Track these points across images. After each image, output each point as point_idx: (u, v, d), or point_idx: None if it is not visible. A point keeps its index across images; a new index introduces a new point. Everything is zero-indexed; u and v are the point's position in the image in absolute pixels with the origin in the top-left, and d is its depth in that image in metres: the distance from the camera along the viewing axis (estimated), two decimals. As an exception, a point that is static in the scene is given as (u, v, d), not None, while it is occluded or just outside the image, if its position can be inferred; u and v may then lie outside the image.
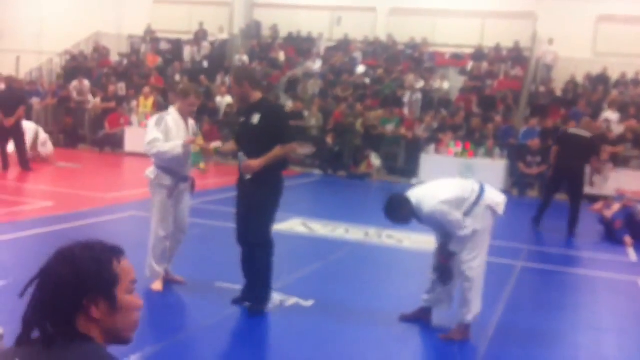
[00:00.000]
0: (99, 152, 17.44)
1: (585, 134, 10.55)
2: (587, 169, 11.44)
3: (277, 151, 5.30)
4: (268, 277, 5.50)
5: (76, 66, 21.54)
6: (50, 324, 1.62)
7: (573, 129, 11.14)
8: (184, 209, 6.09)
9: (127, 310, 1.70)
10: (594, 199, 13.97)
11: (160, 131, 5.76)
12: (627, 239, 9.50)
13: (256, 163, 5.22)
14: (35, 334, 1.63)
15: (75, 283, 1.61)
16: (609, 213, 10.04)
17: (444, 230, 5.12)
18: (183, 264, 6.33)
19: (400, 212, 5.08)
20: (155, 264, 5.88)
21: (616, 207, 10.12)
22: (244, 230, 5.47)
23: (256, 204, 5.39)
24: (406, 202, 5.03)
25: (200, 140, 6.03)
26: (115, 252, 1.72)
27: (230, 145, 5.88)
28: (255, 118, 5.32)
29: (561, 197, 11.16)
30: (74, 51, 22.64)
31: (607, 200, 10.86)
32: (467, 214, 4.99)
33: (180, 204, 6.02)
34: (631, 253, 9.05)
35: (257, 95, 5.44)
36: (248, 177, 5.29)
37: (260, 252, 5.46)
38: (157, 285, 5.88)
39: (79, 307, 1.63)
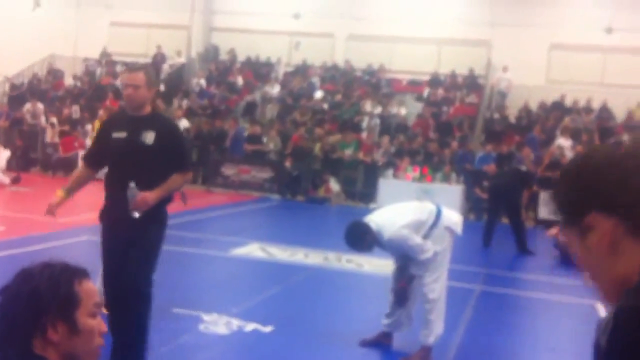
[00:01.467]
0: (52, 176, 17.06)
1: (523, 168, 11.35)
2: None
3: (175, 180, 4.33)
4: (147, 333, 4.41)
5: (24, 90, 21.14)
6: (6, 345, 1.53)
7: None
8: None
9: (88, 334, 1.60)
10: (549, 223, 14.20)
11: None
12: None
13: (153, 196, 4.16)
14: None
15: (32, 302, 1.53)
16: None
17: (404, 254, 5.10)
18: (139, 289, 6.16)
19: (362, 240, 5.05)
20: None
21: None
22: (121, 280, 4.27)
23: (147, 247, 4.36)
24: (367, 229, 4.99)
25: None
26: (77, 272, 1.63)
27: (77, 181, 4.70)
28: (149, 136, 4.21)
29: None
30: (14, 80, 22.22)
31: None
32: (426, 236, 4.98)
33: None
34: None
35: (148, 107, 4.37)
36: (136, 214, 4.13)
37: (142, 306, 4.33)
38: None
39: (36, 328, 1.53)
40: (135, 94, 4.25)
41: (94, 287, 1.66)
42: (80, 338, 1.58)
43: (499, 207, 11.36)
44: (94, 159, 4.56)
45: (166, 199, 4.42)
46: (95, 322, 1.63)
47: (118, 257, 4.28)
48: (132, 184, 4.07)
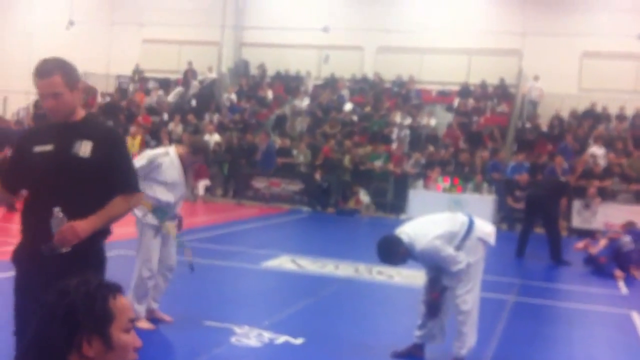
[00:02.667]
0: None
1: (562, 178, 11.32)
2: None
3: (117, 205, 3.26)
4: None
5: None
6: (41, 357, 1.55)
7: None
8: (171, 248, 5.99)
9: (123, 349, 1.63)
10: (582, 232, 14.01)
11: (149, 167, 5.64)
12: (618, 272, 9.47)
13: (85, 226, 3.08)
14: None
15: (68, 318, 1.56)
16: (594, 250, 10.05)
17: (437, 266, 5.07)
18: (170, 302, 6.21)
19: (395, 254, 5.02)
20: (136, 304, 5.76)
21: (602, 243, 10.11)
22: None
23: None
24: (399, 242, 4.97)
25: (172, 230, 5.81)
26: (112, 288, 1.66)
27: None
28: (83, 147, 3.20)
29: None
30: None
31: (592, 236, 10.85)
32: (458, 248, 4.94)
33: (167, 242, 5.93)
34: (622, 286, 9.01)
35: (80, 111, 3.37)
36: (64, 250, 3.04)
37: None
38: (144, 324, 5.76)
39: (72, 344, 1.56)
40: (58, 104, 3.24)
41: (127, 302, 1.69)
42: (114, 353, 1.61)
43: (535, 217, 11.23)
44: (12, 180, 3.37)
45: (104, 232, 3.30)
46: (130, 338, 1.65)
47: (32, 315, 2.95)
48: (58, 209, 3.01)
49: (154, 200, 5.65)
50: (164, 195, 5.70)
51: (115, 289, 1.66)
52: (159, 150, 5.93)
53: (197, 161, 5.85)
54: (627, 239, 9.98)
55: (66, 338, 1.55)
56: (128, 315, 1.66)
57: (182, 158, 5.77)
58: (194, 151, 5.81)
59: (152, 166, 5.65)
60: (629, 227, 10.56)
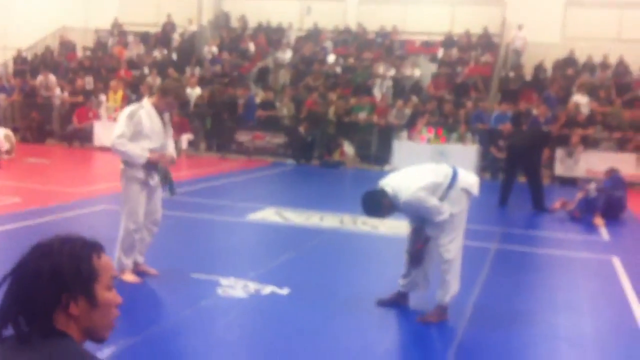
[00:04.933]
0: (68, 146, 17.18)
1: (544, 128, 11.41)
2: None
3: None
4: None
5: (37, 63, 21.16)
6: (26, 320, 1.55)
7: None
8: (156, 202, 5.98)
9: (106, 307, 1.64)
10: (565, 180, 14.15)
11: (132, 124, 5.62)
12: (597, 220, 9.58)
13: None
14: (9, 331, 1.56)
15: (54, 279, 1.55)
16: (570, 206, 10.16)
17: (421, 217, 5.09)
18: (156, 256, 6.23)
19: (380, 206, 5.03)
20: (123, 256, 5.78)
21: (578, 196, 10.22)
22: None
23: None
24: (383, 195, 4.98)
25: (154, 159, 5.76)
26: (95, 247, 1.65)
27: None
28: None
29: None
30: (26, 53, 22.22)
31: (564, 198, 10.85)
32: (442, 198, 4.96)
33: (153, 195, 5.91)
34: (604, 232, 9.14)
35: None
36: None
37: None
38: (130, 277, 5.78)
39: (58, 303, 1.56)
40: None
41: (109, 260, 1.69)
42: (99, 311, 1.61)
43: (517, 167, 11.30)
44: None
45: None
46: (112, 295, 1.66)
47: None
48: None
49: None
50: (147, 146, 5.68)
51: (99, 247, 1.66)
52: (133, 106, 5.89)
53: (169, 103, 5.78)
54: (592, 187, 10.10)
55: (52, 298, 1.55)
56: (110, 273, 1.66)
57: (156, 106, 5.74)
58: (163, 93, 5.77)
59: (132, 123, 5.61)
60: (610, 174, 10.67)
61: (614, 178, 10.56)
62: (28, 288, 1.54)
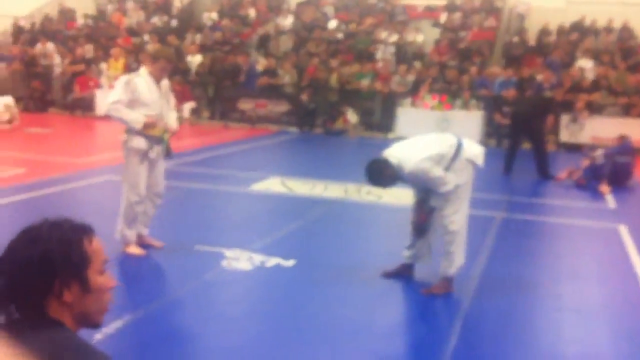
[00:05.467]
0: (70, 116, 17.09)
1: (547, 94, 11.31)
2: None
3: None
4: None
5: (36, 31, 20.94)
6: (18, 309, 1.50)
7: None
8: (159, 173, 5.94)
9: (100, 291, 1.59)
10: (570, 147, 14.07)
11: (129, 91, 5.58)
12: (603, 188, 9.53)
13: None
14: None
15: (45, 265, 1.50)
16: (577, 174, 10.09)
17: (425, 187, 5.05)
18: (161, 228, 6.22)
19: (383, 176, 4.99)
20: (126, 229, 5.77)
21: (584, 164, 10.15)
22: None
23: None
24: (387, 164, 4.92)
25: (157, 132, 5.73)
26: (85, 230, 1.60)
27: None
28: None
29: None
30: (24, 22, 21.94)
31: (570, 167, 10.77)
32: (447, 169, 4.92)
33: (155, 167, 5.87)
34: (609, 200, 9.10)
35: None
36: None
37: None
38: (134, 249, 5.78)
39: (50, 290, 1.51)
40: None
41: (100, 244, 1.64)
42: (92, 297, 1.57)
43: (521, 134, 11.21)
44: None
45: None
46: (105, 279, 1.62)
47: None
48: None
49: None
50: (146, 114, 5.64)
51: (89, 231, 1.61)
52: (129, 74, 5.84)
53: (162, 68, 5.71)
54: (599, 153, 10.03)
55: (43, 285, 1.51)
56: (102, 257, 1.62)
57: (152, 74, 5.68)
58: (153, 59, 5.73)
59: (129, 90, 5.56)
60: (621, 141, 10.58)
61: (623, 144, 10.49)
62: (18, 276, 1.50)
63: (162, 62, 5.70)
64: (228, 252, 5.81)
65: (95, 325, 1.62)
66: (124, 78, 5.75)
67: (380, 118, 16.37)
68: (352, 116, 16.01)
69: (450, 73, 16.42)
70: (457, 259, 5.09)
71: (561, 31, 18.90)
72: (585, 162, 10.15)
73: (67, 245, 1.53)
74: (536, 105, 11.27)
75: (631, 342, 4.47)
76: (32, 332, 1.47)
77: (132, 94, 5.57)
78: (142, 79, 5.67)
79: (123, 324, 4.22)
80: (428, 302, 4.99)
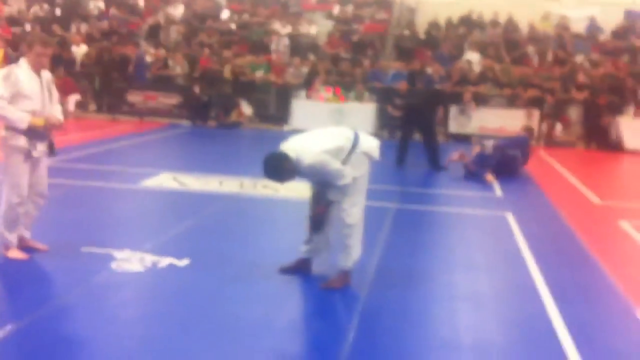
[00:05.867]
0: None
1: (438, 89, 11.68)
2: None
3: None
4: None
5: None
6: None
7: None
8: (42, 172, 5.58)
9: None
10: (459, 137, 14.50)
11: (10, 85, 5.21)
12: (488, 177, 9.86)
13: None
14: None
15: None
16: (467, 159, 10.43)
17: (323, 180, 5.00)
18: (44, 230, 5.85)
19: (282, 171, 4.88)
20: (6, 232, 5.40)
21: (475, 150, 10.50)
22: None
23: None
24: (286, 159, 4.83)
25: (39, 122, 5.37)
26: None
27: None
28: None
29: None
30: None
31: (462, 150, 11.12)
32: (345, 162, 4.90)
33: (37, 166, 5.51)
34: (497, 189, 9.42)
35: None
36: None
37: None
38: (16, 253, 5.41)
39: None
40: None
41: None
42: None
43: (413, 126, 11.42)
44: None
45: None
46: None
47: None
48: None
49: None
50: (27, 108, 5.28)
51: None
52: (7, 67, 5.44)
53: (40, 55, 5.36)
54: (489, 144, 10.40)
55: None
56: None
57: (31, 64, 5.33)
58: (29, 46, 5.39)
59: (9, 83, 5.20)
60: (524, 132, 11.06)
61: (517, 138, 10.91)
62: None
63: (37, 48, 5.33)
64: (118, 253, 5.55)
65: None
66: (2, 71, 5.34)
67: (275, 110, 16.27)
68: (246, 108, 15.84)
69: (344, 65, 16.54)
70: (355, 252, 5.09)
71: (449, 25, 19.47)
72: (475, 149, 10.47)
73: None
74: (427, 97, 11.53)
75: (522, 327, 4.61)
76: None
77: (13, 87, 5.20)
78: (22, 70, 5.31)
79: (4, 334, 3.93)
80: (326, 296, 4.96)
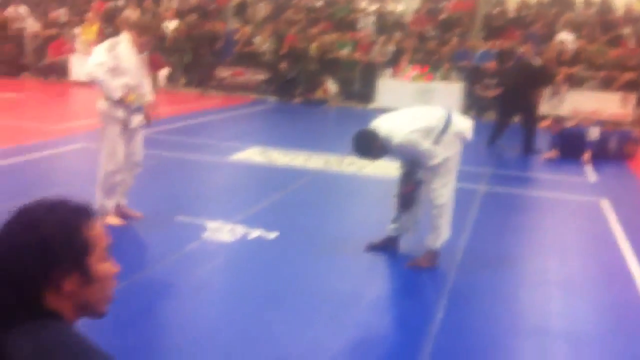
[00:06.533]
0: (44, 81, 16.68)
1: (537, 62, 10.93)
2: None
3: None
4: None
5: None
6: (12, 299, 1.35)
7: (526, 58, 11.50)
8: (138, 142, 5.79)
9: (102, 280, 1.44)
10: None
11: (111, 57, 5.39)
12: (586, 157, 9.60)
13: None
14: None
15: (43, 253, 1.35)
16: (557, 127, 10.14)
17: (413, 160, 4.97)
18: (140, 198, 6.07)
19: (371, 147, 4.89)
20: (104, 199, 5.62)
21: (572, 122, 10.18)
22: None
23: None
24: (375, 136, 4.82)
25: (131, 97, 5.53)
26: (84, 214, 1.43)
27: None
28: None
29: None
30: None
31: (559, 118, 10.80)
32: (436, 142, 4.84)
33: (134, 137, 5.71)
34: (590, 173, 9.11)
35: None
36: None
37: None
38: (113, 220, 5.64)
39: (48, 280, 1.36)
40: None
41: (102, 228, 1.48)
42: (94, 286, 1.43)
43: (512, 107, 10.96)
44: None
45: None
46: (108, 266, 1.47)
47: None
48: None
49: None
50: (123, 82, 5.46)
51: (88, 214, 1.45)
52: (111, 40, 5.62)
53: (147, 43, 5.54)
54: (596, 130, 10.04)
55: (41, 275, 1.36)
56: (105, 243, 1.47)
57: (135, 44, 5.49)
58: (140, 31, 5.53)
59: (112, 56, 5.38)
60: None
61: (623, 132, 10.59)
62: (13, 264, 1.35)
63: (148, 38, 5.54)
64: (210, 224, 5.70)
65: (100, 315, 1.48)
66: (105, 43, 5.54)
67: (360, 88, 16.21)
68: (332, 86, 15.85)
69: (430, 44, 16.29)
70: (443, 232, 5.04)
71: (541, 3, 18.82)
72: (573, 122, 10.18)
73: (67, 231, 1.38)
74: (526, 75, 10.95)
75: (616, 314, 4.47)
76: (26, 325, 1.33)
77: (114, 60, 5.39)
78: (123, 45, 5.48)
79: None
80: (414, 275, 4.94)
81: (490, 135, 10.80)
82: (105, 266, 1.46)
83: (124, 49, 5.47)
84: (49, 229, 1.37)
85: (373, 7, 18.68)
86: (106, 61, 5.36)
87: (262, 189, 7.36)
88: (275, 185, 7.48)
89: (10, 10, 18.26)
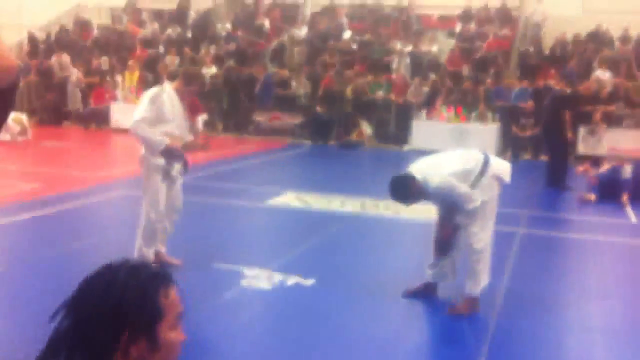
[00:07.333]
0: (85, 128, 17.09)
1: (564, 90, 10.88)
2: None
3: None
4: None
5: (51, 42, 21.00)
6: (81, 357, 1.37)
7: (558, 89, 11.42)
8: (177, 190, 5.88)
9: (169, 349, 1.45)
10: (588, 159, 13.86)
11: (155, 108, 5.50)
12: (624, 197, 9.41)
13: None
14: None
15: (117, 316, 1.37)
16: (594, 172, 9.99)
17: (450, 204, 4.95)
18: (177, 244, 6.14)
19: (408, 193, 4.90)
20: (144, 247, 5.70)
21: (605, 167, 10.02)
22: None
23: None
24: (412, 181, 4.83)
25: (177, 143, 5.62)
26: (163, 281, 1.46)
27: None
28: None
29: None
30: (39, 33, 21.97)
31: (595, 160, 10.64)
32: (473, 186, 4.82)
33: (174, 184, 5.81)
34: (631, 215, 8.93)
35: None
36: None
37: None
38: (153, 268, 5.69)
39: (116, 342, 1.38)
40: None
41: (177, 296, 1.50)
42: (159, 353, 1.44)
43: (553, 139, 10.87)
44: None
45: None
46: (176, 334, 1.48)
47: None
48: None
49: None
50: (167, 130, 5.57)
51: (167, 281, 1.47)
52: (155, 89, 5.75)
53: (193, 91, 5.68)
54: (628, 168, 9.87)
55: (110, 337, 1.38)
56: (177, 311, 1.48)
57: (178, 92, 5.62)
58: (187, 81, 5.65)
59: (155, 107, 5.50)
60: None
61: None
62: (85, 322, 1.38)
63: (194, 87, 5.69)
64: (247, 271, 5.73)
65: None
66: (149, 93, 5.65)
67: (395, 129, 16.24)
68: (366, 128, 15.92)
69: (466, 83, 16.31)
70: (483, 278, 4.99)
71: (577, 41, 18.74)
72: (606, 166, 10.01)
73: (143, 297, 1.40)
74: (558, 102, 10.92)
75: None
76: None
77: (157, 111, 5.49)
78: (167, 94, 5.60)
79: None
80: (454, 321, 4.88)
81: (553, 178, 10.64)
82: (173, 334, 1.47)
83: (167, 98, 5.58)
84: (128, 292, 1.39)
85: (408, 48, 18.82)
86: (147, 115, 5.46)
87: (299, 233, 7.39)
88: (312, 229, 7.51)
89: (54, 59, 18.85)
